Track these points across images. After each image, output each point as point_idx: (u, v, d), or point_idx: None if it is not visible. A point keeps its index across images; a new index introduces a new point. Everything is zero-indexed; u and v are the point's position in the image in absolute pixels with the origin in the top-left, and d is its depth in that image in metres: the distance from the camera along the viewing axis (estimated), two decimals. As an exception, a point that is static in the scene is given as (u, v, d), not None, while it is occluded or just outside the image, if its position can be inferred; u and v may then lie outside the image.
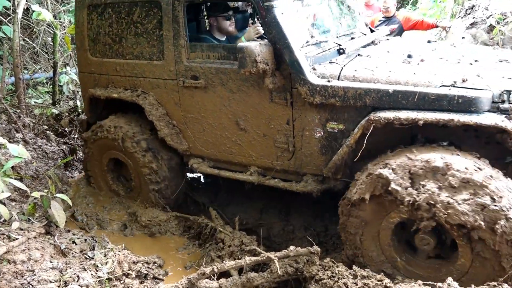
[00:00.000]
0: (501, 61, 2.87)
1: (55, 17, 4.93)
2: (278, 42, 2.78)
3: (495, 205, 2.15)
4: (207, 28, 3.63)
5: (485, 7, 5.94)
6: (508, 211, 2.14)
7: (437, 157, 2.32)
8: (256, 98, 3.05)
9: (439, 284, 2.22)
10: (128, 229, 3.71)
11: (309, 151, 2.99)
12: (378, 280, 2.35)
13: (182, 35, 3.23)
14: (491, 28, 5.50)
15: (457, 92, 2.39)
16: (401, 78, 2.61)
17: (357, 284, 2.34)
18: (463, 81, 2.49)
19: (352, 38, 3.51)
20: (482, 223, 2.16)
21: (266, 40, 2.83)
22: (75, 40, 4.13)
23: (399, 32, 5.90)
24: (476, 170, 2.26)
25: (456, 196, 2.22)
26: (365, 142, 2.56)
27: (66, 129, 5.09)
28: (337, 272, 2.45)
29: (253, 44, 2.72)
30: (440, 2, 7.38)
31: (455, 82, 2.50)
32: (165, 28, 3.28)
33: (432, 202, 2.25)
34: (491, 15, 5.61)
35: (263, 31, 3.17)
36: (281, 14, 2.83)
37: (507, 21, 5.39)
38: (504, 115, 2.36)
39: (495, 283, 2.25)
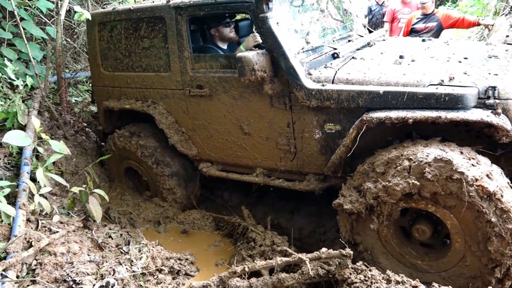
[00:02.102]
0: (490, 57, 2.97)
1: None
2: (274, 50, 2.95)
3: (414, 162, 2.41)
4: (210, 38, 3.83)
5: None
6: (426, 158, 2.39)
7: (363, 163, 2.68)
8: (257, 103, 3.23)
9: None
10: (162, 225, 3.87)
11: (310, 151, 3.16)
12: (413, 286, 2.36)
13: (186, 47, 3.43)
14: (537, 26, 5.17)
15: (443, 90, 2.51)
16: (392, 79, 2.75)
17: None
18: (450, 79, 2.62)
19: (349, 41, 3.66)
20: (415, 181, 2.39)
21: (264, 50, 3.00)
22: (88, 56, 4.38)
23: (438, 30, 5.76)
24: (391, 151, 2.59)
25: (387, 178, 2.49)
26: (357, 141, 2.72)
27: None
28: (370, 276, 2.43)
29: (251, 53, 2.90)
30: (482, -1, 7.07)
31: (442, 80, 2.62)
32: (170, 42, 3.49)
33: (376, 196, 2.52)
34: (537, 12, 5.26)
35: (261, 40, 3.34)
36: (276, 24, 2.99)
37: (555, 19, 5.02)
38: (490, 110, 2.48)
39: None
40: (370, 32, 4.22)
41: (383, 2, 7.46)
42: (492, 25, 5.71)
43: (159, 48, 3.61)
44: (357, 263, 2.56)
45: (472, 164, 2.36)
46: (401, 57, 3.03)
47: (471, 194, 2.28)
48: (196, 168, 3.93)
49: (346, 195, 2.71)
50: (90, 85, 5.06)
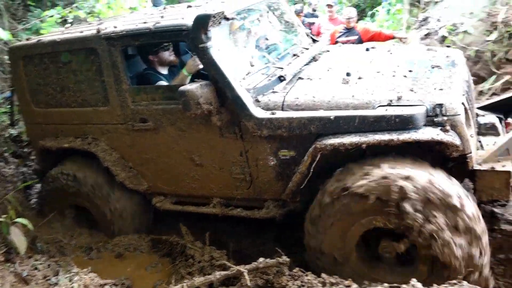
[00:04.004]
0: (433, 67, 2.99)
1: (13, 35, 4.66)
2: (218, 81, 2.80)
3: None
4: (149, 64, 3.61)
5: (437, 19, 6.20)
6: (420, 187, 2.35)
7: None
8: (207, 134, 3.07)
9: (404, 285, 2.30)
10: (94, 251, 3.61)
11: (266, 178, 3.05)
12: (347, 286, 2.41)
13: (124, 79, 3.20)
14: (443, 38, 5.71)
15: (393, 112, 2.49)
16: (341, 102, 2.70)
17: None
18: (399, 98, 2.60)
19: (294, 55, 3.57)
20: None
21: (207, 80, 2.84)
22: (16, 92, 3.99)
23: (359, 43, 6.02)
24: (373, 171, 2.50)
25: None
26: (312, 168, 2.66)
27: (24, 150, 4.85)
28: (306, 281, 2.50)
29: (194, 86, 2.74)
30: (396, 14, 7.67)
31: (391, 100, 2.60)
32: (106, 75, 3.24)
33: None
34: (443, 26, 5.82)
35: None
36: (218, 51, 2.84)
37: (458, 32, 5.64)
38: (439, 128, 2.49)
39: (455, 281, 2.40)
40: (314, 41, 4.15)
41: (303, 21, 7.79)
42: (406, 38, 6.11)
43: (94, 81, 3.34)
44: (294, 269, 2.60)
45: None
46: (348, 74, 2.99)
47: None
48: (149, 202, 3.72)
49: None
50: (8, 106, 4.64)
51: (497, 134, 3.07)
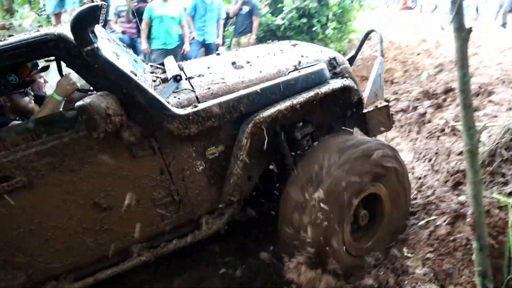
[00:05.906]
0: (294, 45, 3.35)
1: None
2: (122, 86, 2.30)
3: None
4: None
5: None
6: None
7: None
8: (112, 163, 2.43)
9: None
10: None
11: (197, 189, 2.66)
12: None
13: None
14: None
15: (309, 70, 2.66)
16: (254, 78, 2.68)
17: None
18: (299, 63, 2.80)
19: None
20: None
21: (104, 91, 2.28)
22: None
23: None
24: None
25: None
26: (265, 145, 2.53)
27: None
28: None
29: (95, 97, 2.17)
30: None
31: (295, 66, 2.77)
32: None
33: None
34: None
35: (78, 83, 2.57)
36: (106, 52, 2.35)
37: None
38: (340, 77, 2.82)
39: None
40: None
41: None
42: None
43: None
44: None
45: None
46: (233, 63, 2.98)
47: None
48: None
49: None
50: None
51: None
